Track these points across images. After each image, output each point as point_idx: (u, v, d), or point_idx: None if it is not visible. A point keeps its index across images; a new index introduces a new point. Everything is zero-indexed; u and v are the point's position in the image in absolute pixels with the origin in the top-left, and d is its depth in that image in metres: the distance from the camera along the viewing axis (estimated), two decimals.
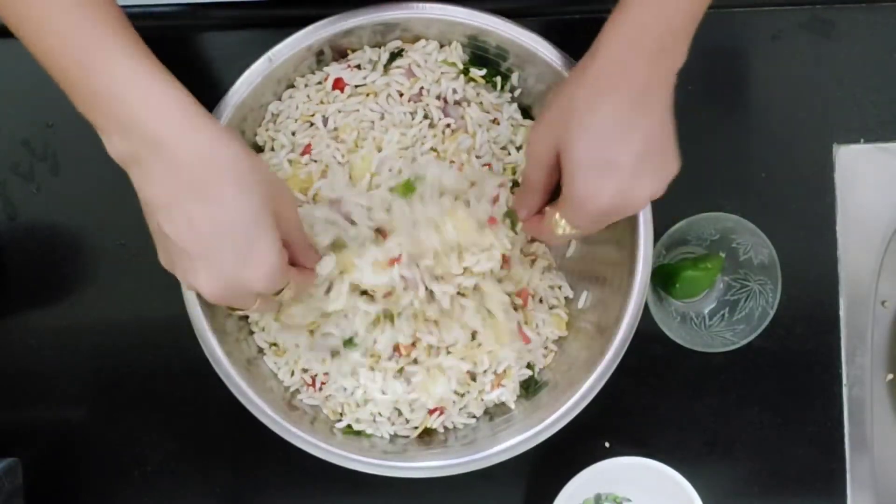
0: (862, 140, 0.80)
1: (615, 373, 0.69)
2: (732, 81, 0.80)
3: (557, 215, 0.64)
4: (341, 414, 0.75)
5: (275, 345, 0.75)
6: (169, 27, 0.79)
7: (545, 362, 0.76)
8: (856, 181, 0.80)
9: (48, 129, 0.78)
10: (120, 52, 0.54)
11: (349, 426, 0.74)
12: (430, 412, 0.74)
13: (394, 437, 0.75)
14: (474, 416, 0.75)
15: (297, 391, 0.75)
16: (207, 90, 0.63)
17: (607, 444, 0.79)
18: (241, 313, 0.74)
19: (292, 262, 0.63)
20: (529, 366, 0.76)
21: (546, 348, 0.77)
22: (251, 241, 0.57)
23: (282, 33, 0.69)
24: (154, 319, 0.77)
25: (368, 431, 0.74)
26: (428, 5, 0.70)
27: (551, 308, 0.77)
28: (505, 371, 0.75)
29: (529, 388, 0.76)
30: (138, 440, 0.79)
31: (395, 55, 0.74)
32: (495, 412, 0.76)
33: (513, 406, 0.75)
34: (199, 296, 0.68)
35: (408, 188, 0.71)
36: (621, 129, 0.59)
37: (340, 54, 0.74)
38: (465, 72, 0.74)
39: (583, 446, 0.78)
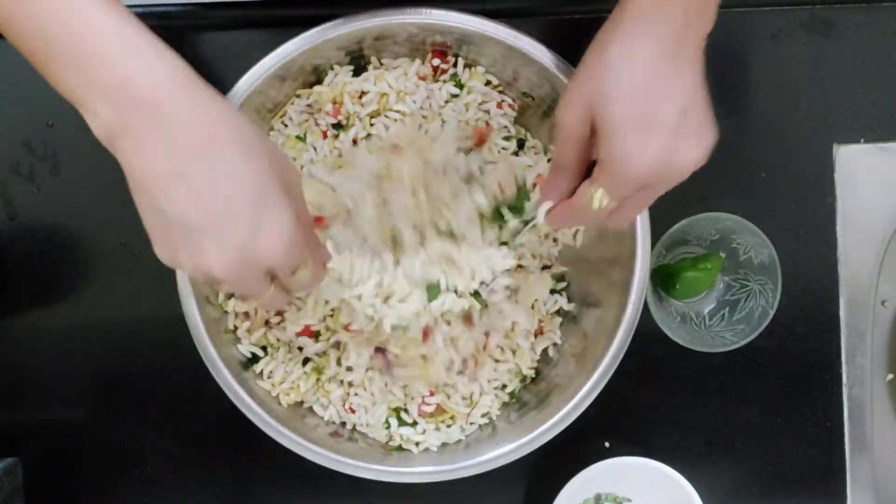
0: (862, 140, 0.80)
1: (615, 373, 0.69)
2: (732, 81, 0.80)
3: (593, 187, 0.58)
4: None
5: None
6: (169, 27, 0.79)
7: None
8: (856, 181, 0.80)
9: (48, 129, 0.78)
10: (108, 18, 0.50)
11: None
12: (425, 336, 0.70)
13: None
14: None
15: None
16: None
17: (607, 444, 0.79)
18: (252, 310, 0.74)
19: None
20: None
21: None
22: (262, 205, 0.52)
23: (282, 33, 0.69)
24: (154, 319, 0.77)
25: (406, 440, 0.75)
26: (430, 10, 0.69)
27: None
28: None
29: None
30: (138, 440, 0.79)
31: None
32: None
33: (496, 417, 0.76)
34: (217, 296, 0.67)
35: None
36: (660, 81, 0.54)
37: None
38: None
39: (583, 446, 0.78)
